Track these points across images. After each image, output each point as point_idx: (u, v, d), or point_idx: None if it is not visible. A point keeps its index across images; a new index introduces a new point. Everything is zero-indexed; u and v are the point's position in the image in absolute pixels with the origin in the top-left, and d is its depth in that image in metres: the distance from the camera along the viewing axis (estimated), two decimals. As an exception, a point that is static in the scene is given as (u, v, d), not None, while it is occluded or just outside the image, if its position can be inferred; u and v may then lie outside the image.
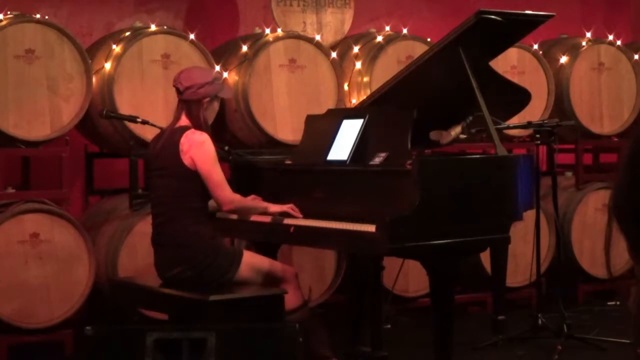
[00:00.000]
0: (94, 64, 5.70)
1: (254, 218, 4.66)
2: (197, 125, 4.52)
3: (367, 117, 4.67)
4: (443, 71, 4.70)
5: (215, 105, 4.67)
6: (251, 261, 4.51)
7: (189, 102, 4.54)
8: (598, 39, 7.15)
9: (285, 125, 6.03)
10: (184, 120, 4.55)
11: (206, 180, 4.44)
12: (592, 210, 6.97)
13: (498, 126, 4.74)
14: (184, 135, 4.48)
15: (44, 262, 5.41)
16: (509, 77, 5.30)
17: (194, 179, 4.44)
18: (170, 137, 4.52)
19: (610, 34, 7.17)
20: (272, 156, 5.27)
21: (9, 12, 5.59)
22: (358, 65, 6.35)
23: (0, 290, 5.31)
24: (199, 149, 4.44)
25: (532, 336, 5.70)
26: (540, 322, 5.71)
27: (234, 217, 4.72)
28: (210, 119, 4.62)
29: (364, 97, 5.60)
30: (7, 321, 5.30)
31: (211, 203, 4.58)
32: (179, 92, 4.57)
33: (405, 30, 6.50)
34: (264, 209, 4.60)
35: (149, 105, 5.67)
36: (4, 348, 5.33)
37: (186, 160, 4.44)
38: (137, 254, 5.60)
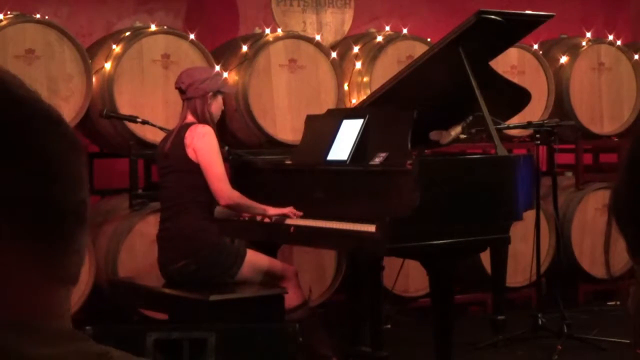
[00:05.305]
0: (94, 64, 5.69)
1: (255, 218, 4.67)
2: (203, 120, 4.56)
3: (367, 117, 4.67)
4: (443, 71, 4.70)
5: (220, 100, 4.69)
6: (253, 260, 4.53)
7: (192, 100, 4.58)
8: (598, 39, 7.15)
9: (285, 125, 6.02)
10: (189, 119, 4.60)
11: (206, 172, 4.46)
12: (592, 211, 6.96)
13: (498, 126, 4.74)
14: (189, 129, 4.54)
15: (44, 262, 5.40)
16: (509, 77, 5.30)
17: (198, 172, 4.48)
18: (177, 134, 4.58)
19: (610, 34, 7.17)
20: (272, 156, 5.27)
21: (9, 12, 5.58)
22: (358, 65, 6.34)
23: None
24: (200, 140, 4.48)
25: (532, 336, 5.69)
26: (540, 322, 5.70)
27: (235, 217, 4.72)
28: (216, 115, 4.65)
29: (364, 97, 5.60)
30: (7, 321, 5.29)
31: (218, 208, 4.60)
32: (181, 92, 4.61)
33: (405, 30, 6.49)
34: (263, 211, 4.60)
35: (149, 105, 5.66)
36: (4, 348, 5.32)
37: (190, 154, 4.49)
38: (137, 254, 5.59)
